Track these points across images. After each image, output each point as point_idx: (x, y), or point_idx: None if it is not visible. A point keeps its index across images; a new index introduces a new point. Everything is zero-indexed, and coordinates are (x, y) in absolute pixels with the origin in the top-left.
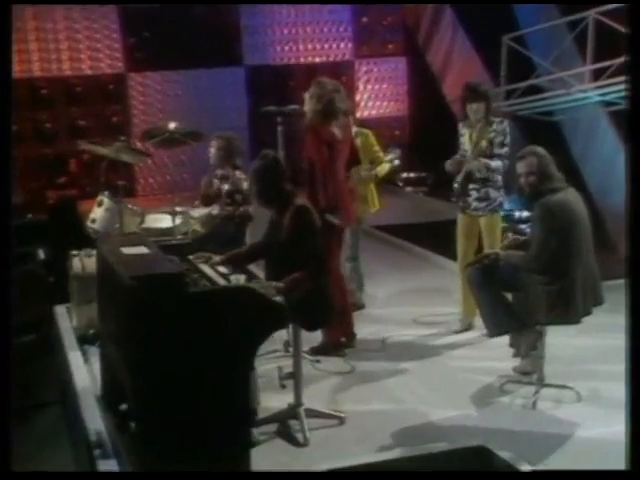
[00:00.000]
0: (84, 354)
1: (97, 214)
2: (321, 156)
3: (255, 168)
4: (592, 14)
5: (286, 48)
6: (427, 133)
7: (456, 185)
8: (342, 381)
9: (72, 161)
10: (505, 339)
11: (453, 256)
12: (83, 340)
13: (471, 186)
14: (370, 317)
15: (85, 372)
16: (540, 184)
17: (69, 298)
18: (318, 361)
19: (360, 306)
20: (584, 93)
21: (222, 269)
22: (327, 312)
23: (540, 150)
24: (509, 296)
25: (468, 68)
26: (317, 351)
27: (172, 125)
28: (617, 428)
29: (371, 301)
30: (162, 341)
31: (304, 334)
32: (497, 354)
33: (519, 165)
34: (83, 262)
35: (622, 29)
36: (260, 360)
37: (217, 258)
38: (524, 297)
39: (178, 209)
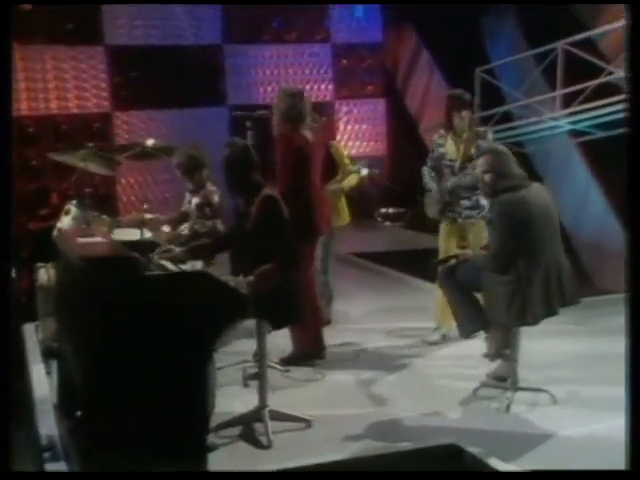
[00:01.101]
0: (47, 367)
1: (64, 223)
2: (293, 162)
3: (224, 156)
4: (561, 45)
5: (269, 89)
6: (405, 171)
7: (435, 196)
8: (311, 388)
9: (54, 194)
10: (479, 348)
11: (429, 277)
12: (47, 353)
13: (462, 194)
14: (343, 331)
15: (45, 382)
16: (496, 182)
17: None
18: (288, 370)
19: (327, 321)
20: (555, 121)
21: (185, 267)
22: (294, 308)
23: (498, 148)
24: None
25: (444, 108)
26: (287, 362)
27: (150, 142)
28: (595, 427)
29: (345, 317)
30: (113, 327)
31: (274, 346)
32: (471, 362)
33: (478, 163)
34: (49, 274)
35: (590, 58)
36: (229, 370)
37: (178, 250)
38: (488, 297)
39: (148, 216)
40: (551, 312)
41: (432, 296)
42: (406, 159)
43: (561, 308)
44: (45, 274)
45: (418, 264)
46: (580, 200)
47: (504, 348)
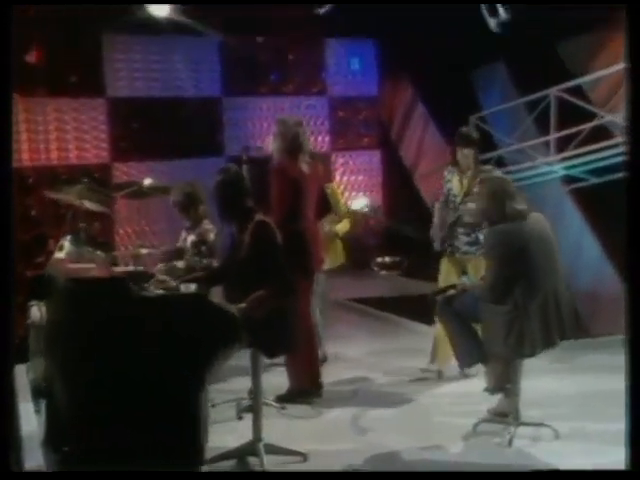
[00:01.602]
0: (36, 405)
1: (61, 247)
2: (289, 193)
3: (216, 182)
4: (554, 91)
5: (266, 140)
6: (401, 221)
7: (436, 229)
8: (307, 424)
9: (51, 241)
10: (477, 386)
11: (427, 320)
12: (37, 392)
13: (461, 230)
14: (339, 370)
15: (34, 420)
16: (493, 211)
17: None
18: (284, 407)
19: (323, 359)
20: (550, 166)
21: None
22: (288, 336)
23: (496, 177)
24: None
25: (439, 159)
26: (283, 399)
27: (147, 181)
28: (599, 461)
29: (342, 358)
30: (104, 350)
31: (269, 384)
32: (470, 400)
33: (477, 191)
34: (41, 311)
35: (583, 104)
36: (222, 407)
37: (174, 283)
38: (486, 328)
39: (143, 251)
40: (550, 344)
41: (430, 338)
42: (401, 209)
43: (560, 341)
44: (37, 312)
45: (416, 308)
46: (575, 247)
47: (504, 382)
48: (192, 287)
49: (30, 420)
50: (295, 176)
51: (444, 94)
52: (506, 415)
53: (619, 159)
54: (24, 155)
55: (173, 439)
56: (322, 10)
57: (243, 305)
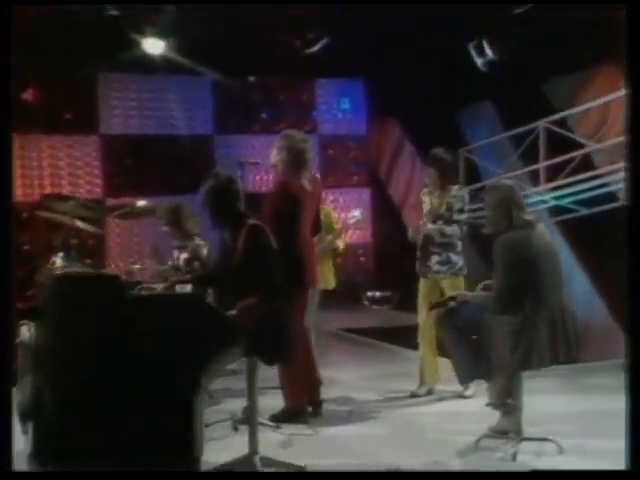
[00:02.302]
0: (24, 427)
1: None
2: (289, 208)
3: (207, 187)
4: (542, 123)
5: (257, 177)
6: (390, 257)
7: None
8: (304, 441)
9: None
10: (472, 405)
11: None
12: (25, 414)
13: (433, 250)
14: (334, 392)
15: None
16: (500, 220)
17: None
18: (279, 427)
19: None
20: (540, 195)
21: None
22: (285, 342)
23: (504, 184)
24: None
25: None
26: (277, 418)
27: (140, 203)
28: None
29: (335, 382)
30: (95, 349)
31: (265, 405)
32: (467, 418)
33: (484, 199)
34: (31, 330)
35: (572, 135)
36: (216, 427)
37: (162, 287)
38: (489, 340)
39: (136, 267)
40: (556, 360)
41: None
42: (390, 245)
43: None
44: (27, 332)
45: (408, 337)
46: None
47: (506, 397)
48: (188, 288)
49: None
50: (296, 191)
51: (432, 133)
52: (507, 433)
53: (606, 189)
54: (18, 191)
55: (167, 444)
56: (313, 49)
57: (233, 312)
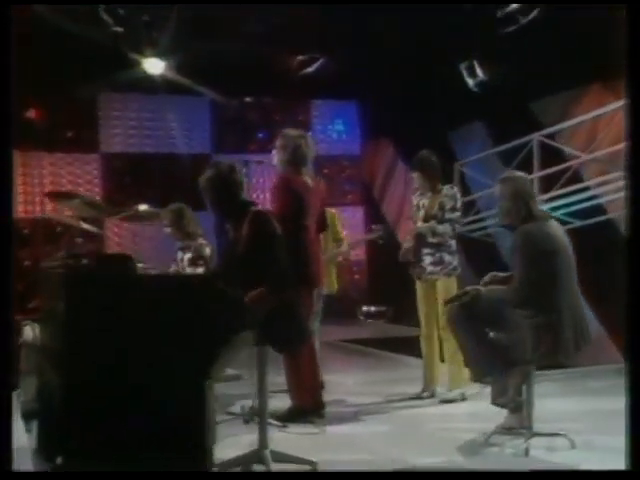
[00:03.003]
0: (28, 425)
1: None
2: (293, 206)
3: (208, 176)
4: (537, 136)
5: (254, 195)
6: (384, 274)
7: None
8: (312, 439)
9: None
10: (476, 407)
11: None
12: (28, 416)
13: (425, 251)
14: (337, 394)
15: (24, 438)
16: (518, 211)
17: None
18: (285, 426)
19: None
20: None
21: None
22: (297, 329)
23: (519, 176)
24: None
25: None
26: (283, 418)
27: (142, 207)
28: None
29: (339, 386)
30: (98, 332)
31: (271, 406)
32: (473, 417)
33: (498, 190)
34: (35, 330)
35: (565, 148)
36: (224, 425)
37: None
38: (509, 333)
39: (140, 266)
40: (578, 347)
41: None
42: (384, 263)
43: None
44: (30, 331)
45: (406, 346)
46: None
47: (520, 393)
48: (199, 271)
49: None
50: (299, 187)
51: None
52: (515, 430)
53: (594, 202)
54: (20, 207)
55: (179, 433)
56: (309, 71)
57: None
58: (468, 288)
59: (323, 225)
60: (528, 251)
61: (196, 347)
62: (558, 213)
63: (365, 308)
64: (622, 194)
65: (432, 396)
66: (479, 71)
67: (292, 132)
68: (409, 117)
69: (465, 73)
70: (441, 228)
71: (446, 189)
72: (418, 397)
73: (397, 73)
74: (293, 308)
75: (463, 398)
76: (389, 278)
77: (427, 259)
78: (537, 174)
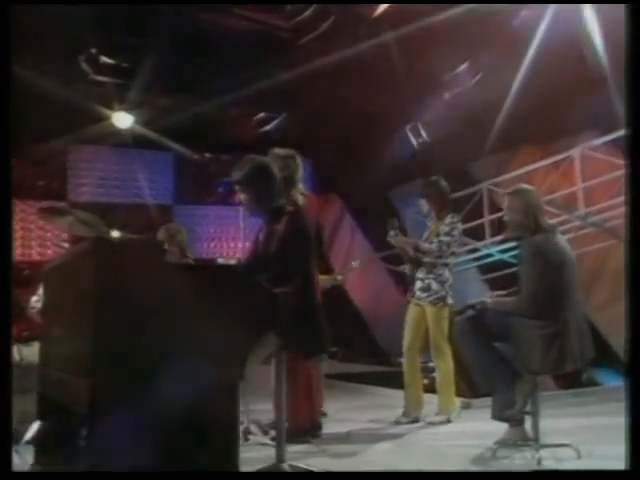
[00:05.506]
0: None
1: (40, 291)
2: None
3: (245, 173)
4: (486, 185)
5: (212, 244)
6: (334, 319)
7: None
8: (315, 455)
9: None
10: (473, 425)
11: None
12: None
13: (419, 275)
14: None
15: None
16: (527, 224)
17: None
18: None
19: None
20: (487, 249)
21: None
22: (322, 335)
23: (529, 189)
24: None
25: (368, 265)
26: None
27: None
28: None
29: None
30: (125, 323)
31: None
32: (470, 435)
33: (507, 202)
34: (21, 352)
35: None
36: None
37: None
38: (518, 344)
39: None
40: (585, 359)
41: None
42: (333, 308)
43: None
44: (17, 353)
45: (364, 377)
46: None
47: (526, 405)
48: (232, 261)
49: None
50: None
51: (368, 207)
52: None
53: None
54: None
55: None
56: (267, 128)
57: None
58: (473, 302)
59: (319, 240)
60: (539, 263)
61: (227, 335)
62: (506, 255)
63: None
64: (570, 235)
65: (416, 421)
66: (423, 132)
67: (279, 152)
68: (355, 175)
69: (410, 134)
70: (425, 246)
71: (449, 217)
72: (397, 422)
73: (344, 133)
74: (319, 314)
75: (449, 421)
76: (338, 322)
77: (418, 284)
78: (487, 218)
